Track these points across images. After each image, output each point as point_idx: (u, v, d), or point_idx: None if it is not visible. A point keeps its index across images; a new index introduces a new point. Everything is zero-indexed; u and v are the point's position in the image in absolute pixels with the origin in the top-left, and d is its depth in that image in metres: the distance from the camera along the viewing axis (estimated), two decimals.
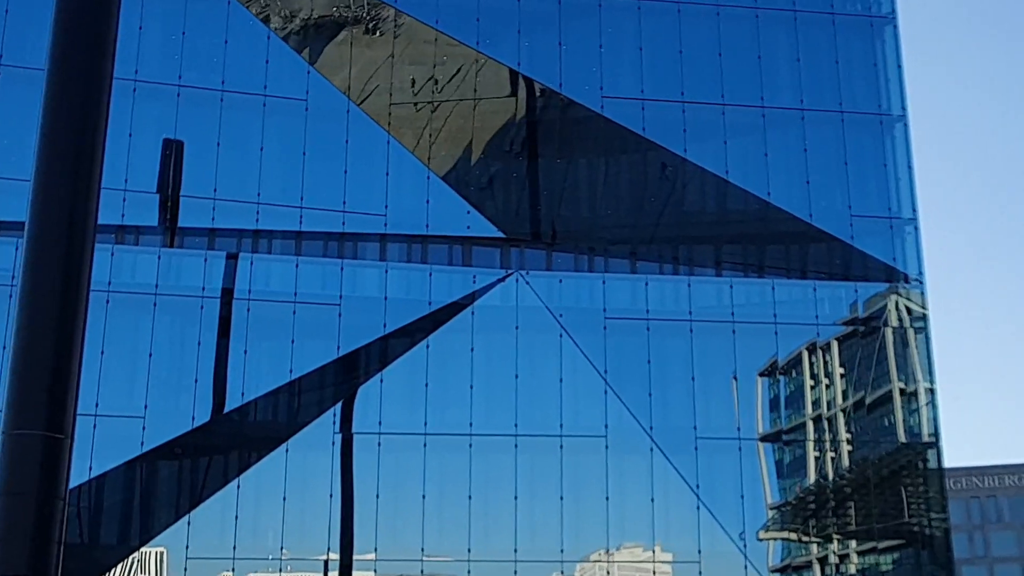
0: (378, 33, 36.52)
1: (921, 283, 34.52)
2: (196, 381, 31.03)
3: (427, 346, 32.46)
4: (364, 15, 36.11)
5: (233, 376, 31.18)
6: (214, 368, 31.50)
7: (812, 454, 34.01)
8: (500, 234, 34.46)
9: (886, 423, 34.49)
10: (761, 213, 34.75)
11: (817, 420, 34.41)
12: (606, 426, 32.20)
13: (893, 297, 34.74)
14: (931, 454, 33.75)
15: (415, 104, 36.08)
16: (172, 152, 34.18)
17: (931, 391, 33.98)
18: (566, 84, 35.10)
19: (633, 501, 31.82)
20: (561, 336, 32.79)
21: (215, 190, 33.38)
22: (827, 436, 34.05)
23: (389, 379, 32.18)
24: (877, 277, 34.69)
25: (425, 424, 31.64)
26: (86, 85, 10.94)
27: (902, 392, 34.33)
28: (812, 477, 33.95)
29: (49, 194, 10.73)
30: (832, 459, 34.18)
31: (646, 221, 35.31)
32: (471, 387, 32.01)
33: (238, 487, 30.82)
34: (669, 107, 34.99)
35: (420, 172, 34.77)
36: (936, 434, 33.67)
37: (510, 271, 33.61)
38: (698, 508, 31.86)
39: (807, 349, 34.33)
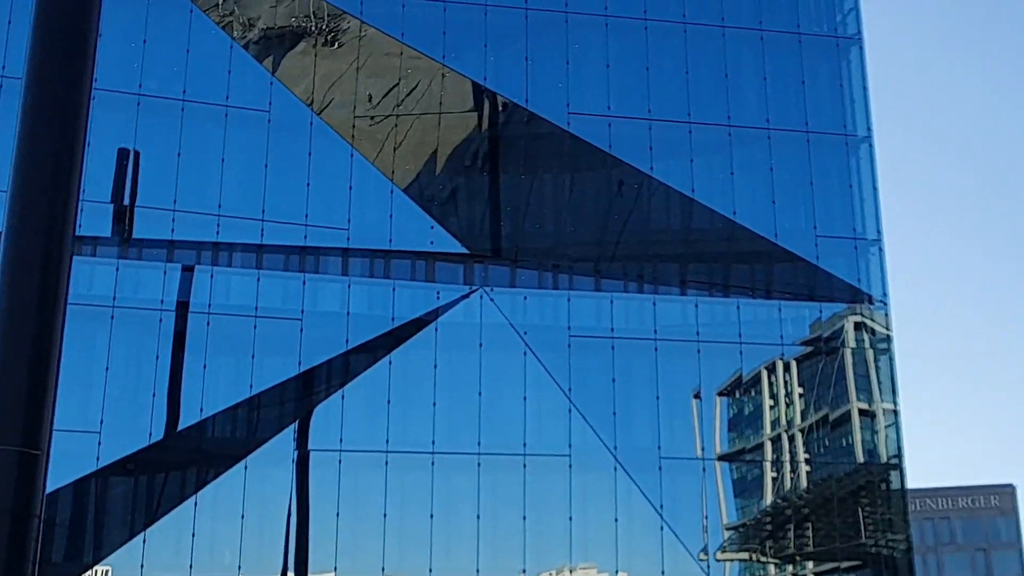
0: (336, 45, 36.34)
1: (885, 304, 34.71)
2: (154, 396, 30.63)
3: (389, 363, 32.23)
4: (324, 27, 35.92)
5: (192, 391, 30.80)
6: (168, 383, 31.10)
7: (769, 474, 34.07)
8: (464, 250, 34.33)
9: (844, 443, 34.62)
10: (727, 232, 34.83)
11: (776, 440, 34.49)
12: (570, 445, 32.09)
13: (851, 318, 34.90)
14: (894, 475, 33.88)
15: (379, 117, 35.90)
16: (127, 162, 33.79)
17: (895, 412, 34.15)
18: (532, 99, 35.06)
19: (596, 521, 31.71)
20: (525, 354, 32.67)
21: (175, 201, 33.02)
22: (785, 456, 34.12)
23: (351, 396, 31.91)
24: (841, 298, 34.85)
25: (387, 442, 31.39)
26: (65, 95, 10.71)
27: (864, 412, 34.47)
28: (769, 498, 33.99)
29: (26, 207, 10.49)
30: (791, 479, 34.26)
31: (611, 239, 35.29)
32: (434, 404, 31.80)
33: (195, 504, 30.42)
34: (635, 124, 35.03)
35: (383, 186, 34.58)
36: (899, 455, 33.82)
37: (474, 287, 33.47)
38: (661, 528, 31.80)
39: (766, 368, 34.42)
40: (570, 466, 31.88)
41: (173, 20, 34.86)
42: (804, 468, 34.32)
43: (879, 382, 34.49)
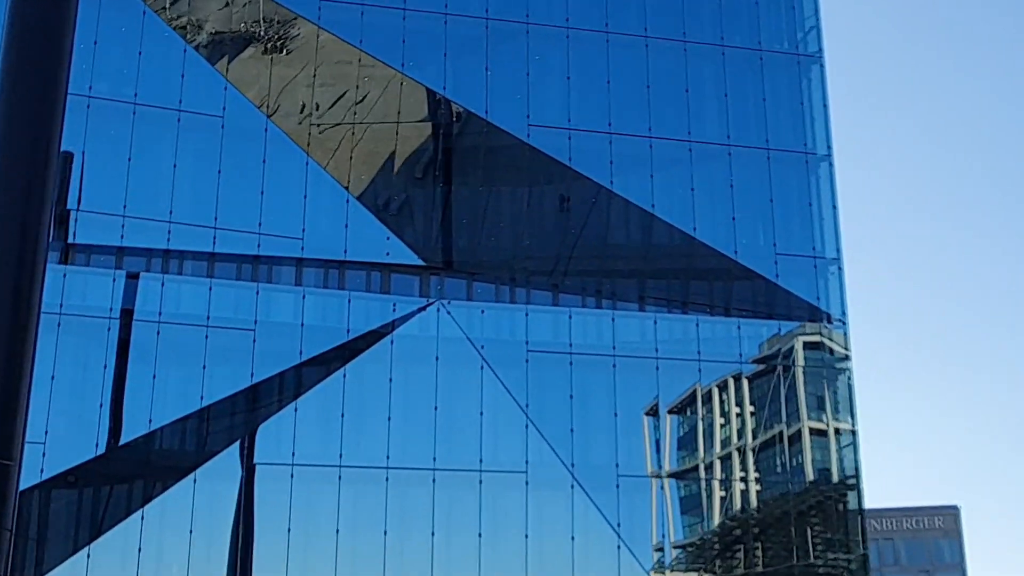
0: (284, 52, 35.94)
1: (844, 323, 34.78)
2: (101, 406, 30.01)
3: (344, 375, 31.82)
4: (274, 32, 35.51)
5: (141, 402, 30.21)
6: (112, 393, 30.50)
7: (718, 492, 33.96)
8: (420, 261, 34.01)
9: (795, 463, 34.61)
10: (686, 248, 34.77)
11: (726, 458, 34.40)
12: (527, 462, 31.83)
13: (801, 337, 34.95)
14: (851, 495, 33.91)
15: (333, 124, 35.53)
16: (70, 165, 33.19)
17: (853, 432, 34.19)
18: (492, 110, 34.84)
19: (553, 539, 31.44)
20: (482, 368, 32.38)
21: (125, 207, 32.45)
22: (736, 475, 34.03)
23: (304, 408, 31.46)
24: (800, 316, 34.90)
25: (340, 456, 30.96)
26: (40, 98, 10.43)
27: (816, 432, 34.49)
28: (717, 517, 33.88)
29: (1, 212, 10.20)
30: (740, 498, 34.17)
31: (568, 253, 35.12)
32: (389, 419, 31.43)
33: (142, 518, 29.82)
34: (596, 137, 34.92)
35: (339, 195, 34.20)
36: (857, 475, 33.86)
37: (431, 300, 33.15)
38: (619, 547, 31.60)
39: (718, 386, 34.34)
40: (527, 483, 31.61)
41: (125, 21, 34.32)
42: (754, 487, 34.25)
43: (837, 401, 34.54)
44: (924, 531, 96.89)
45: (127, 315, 31.92)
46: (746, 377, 34.39)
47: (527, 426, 32.08)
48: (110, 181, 32.63)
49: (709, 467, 34.22)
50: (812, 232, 35.36)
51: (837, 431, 34.48)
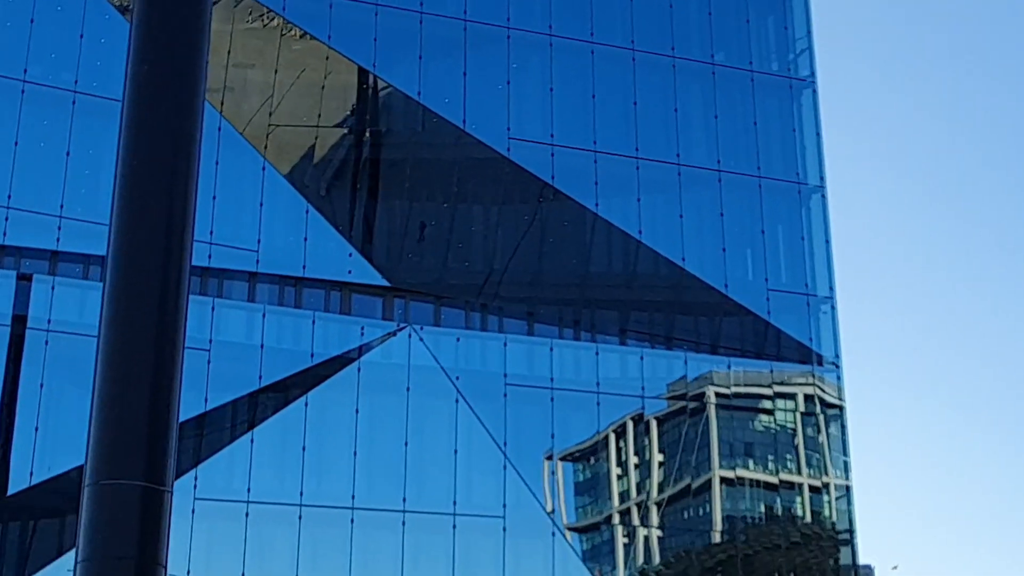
0: (242, 45, 34.28)
1: (837, 367, 34.08)
2: (36, 430, 27.87)
3: (305, 404, 30.06)
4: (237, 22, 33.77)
5: (80, 425, 28.04)
6: (4, 415, 28.31)
7: (624, 540, 32.75)
8: (385, 282, 32.46)
9: (786, 512, 33.75)
10: (674, 279, 33.78)
11: (626, 512, 32.80)
12: (504, 506, 30.37)
13: (799, 388, 34.16)
14: (844, 551, 33.13)
15: (295, 127, 33.90)
16: None
17: (847, 488, 33.40)
18: (469, 120, 33.52)
19: None
20: (457, 401, 30.90)
21: (62, 206, 30.39)
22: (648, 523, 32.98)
23: (260, 440, 29.62)
24: (791, 357, 34.12)
25: (301, 494, 29.17)
26: (177, 109, 9.24)
27: (813, 489, 33.72)
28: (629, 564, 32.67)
29: (139, 233, 9.02)
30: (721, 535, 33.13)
31: (547, 279, 33.89)
32: (354, 454, 29.72)
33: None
34: (580, 155, 33.81)
35: (298, 205, 32.52)
36: (851, 530, 33.09)
37: (402, 325, 31.59)
38: None
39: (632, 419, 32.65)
40: (504, 528, 30.16)
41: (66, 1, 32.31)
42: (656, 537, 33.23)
43: (830, 450, 33.80)
44: None
45: (19, 322, 29.78)
46: (655, 417, 33.08)
47: (505, 467, 30.66)
48: (45, 177, 30.54)
49: (626, 515, 33.09)
50: (804, 267, 34.67)
51: (825, 485, 33.69)
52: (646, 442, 32.89)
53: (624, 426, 32.47)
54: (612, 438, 32.25)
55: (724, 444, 33.22)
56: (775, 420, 33.96)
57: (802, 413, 34.03)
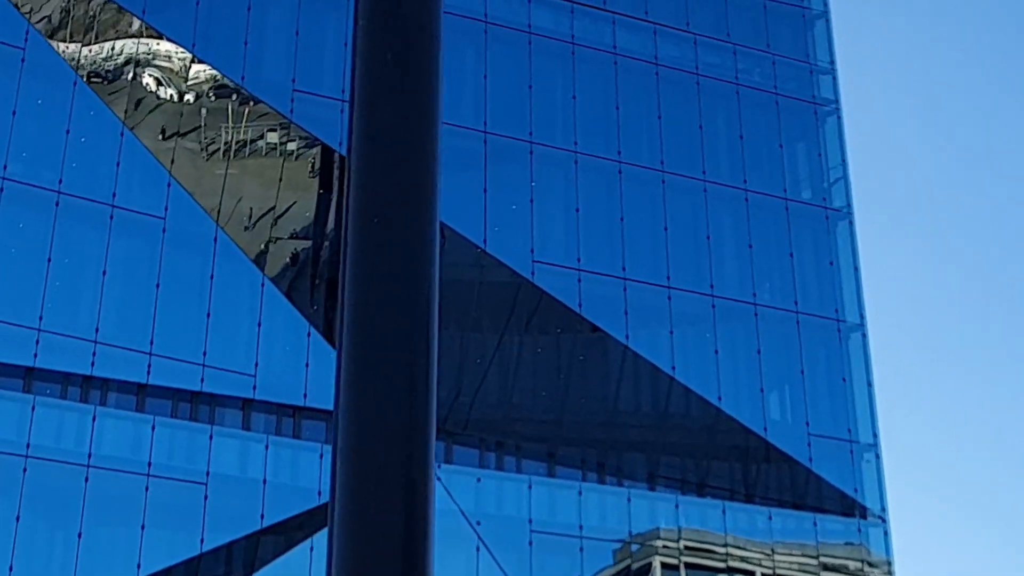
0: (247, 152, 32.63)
1: (883, 520, 32.38)
2: (11, 569, 25.27)
3: (311, 548, 27.74)
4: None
5: (68, 565, 25.57)
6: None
7: None
8: None
9: None
10: (708, 420, 32.07)
11: None
12: None
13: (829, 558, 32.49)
14: None
15: (292, 238, 32.15)
16: None
17: None
18: (490, 239, 31.91)
19: None
20: (479, 549, 28.70)
21: (40, 319, 28.19)
22: None
23: None
24: (833, 508, 32.39)
25: None
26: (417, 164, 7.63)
27: None
28: None
29: (381, 315, 7.29)
30: None
31: (570, 417, 32.03)
32: None
33: None
34: (608, 282, 32.25)
35: (299, 327, 30.55)
36: None
37: None
38: None
39: None
40: None
41: (52, 93, 30.49)
42: None
43: None
44: None
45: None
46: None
47: None
48: (23, 284, 28.39)
49: None
50: (846, 411, 33.13)
51: None
52: None
53: None
54: None
55: None
56: None
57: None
